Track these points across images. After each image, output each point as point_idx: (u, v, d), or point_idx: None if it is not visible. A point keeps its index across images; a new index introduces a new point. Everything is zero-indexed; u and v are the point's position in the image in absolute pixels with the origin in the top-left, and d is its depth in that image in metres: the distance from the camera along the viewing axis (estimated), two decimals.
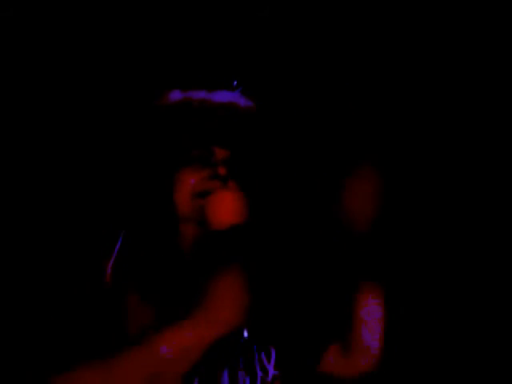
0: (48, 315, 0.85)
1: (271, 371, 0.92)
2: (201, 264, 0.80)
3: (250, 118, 0.96)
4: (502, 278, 1.89)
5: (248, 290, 0.75)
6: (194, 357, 0.71)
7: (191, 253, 0.85)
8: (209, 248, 0.80)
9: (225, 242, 0.79)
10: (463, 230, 1.96)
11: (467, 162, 1.97)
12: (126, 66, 1.76)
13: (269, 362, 0.92)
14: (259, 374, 0.89)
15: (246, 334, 0.87)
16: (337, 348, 1.04)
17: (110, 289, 0.85)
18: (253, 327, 0.88)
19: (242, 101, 0.96)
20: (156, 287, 0.85)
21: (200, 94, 0.95)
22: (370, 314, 1.00)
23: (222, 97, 0.95)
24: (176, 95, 0.95)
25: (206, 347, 0.72)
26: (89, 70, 1.76)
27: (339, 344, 1.05)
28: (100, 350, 0.72)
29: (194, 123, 0.92)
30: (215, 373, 0.84)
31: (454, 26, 1.77)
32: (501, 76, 1.82)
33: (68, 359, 0.73)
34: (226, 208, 0.82)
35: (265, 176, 1.00)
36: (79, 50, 1.76)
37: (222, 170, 0.89)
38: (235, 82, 1.00)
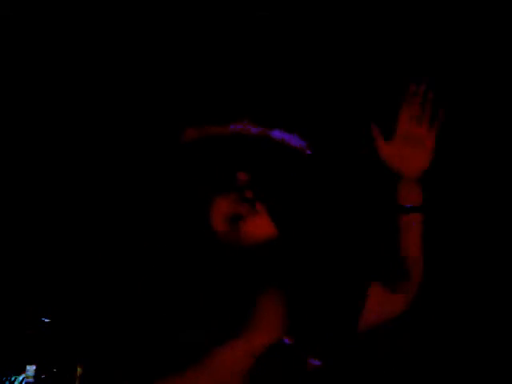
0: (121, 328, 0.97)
1: (314, 363, 1.00)
2: (243, 281, 0.93)
3: (263, 143, 1.07)
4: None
5: (286, 301, 0.88)
6: (250, 362, 0.86)
7: (233, 271, 0.95)
8: (248, 266, 0.93)
9: (261, 259, 0.92)
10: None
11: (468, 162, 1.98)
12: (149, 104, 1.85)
13: (311, 356, 1.00)
14: (302, 371, 0.98)
15: (287, 340, 0.96)
16: (377, 288, 1.12)
17: (162, 306, 0.95)
18: (294, 333, 0.97)
19: (253, 129, 1.07)
20: (206, 304, 0.95)
21: (216, 129, 1.06)
22: (414, 255, 1.11)
23: (236, 128, 1.07)
24: (193, 132, 1.07)
25: (257, 355, 0.87)
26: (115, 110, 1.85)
27: (379, 285, 1.13)
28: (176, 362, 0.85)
29: (214, 154, 1.03)
30: (265, 375, 0.94)
31: (454, 26, 1.78)
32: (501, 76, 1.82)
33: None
34: (260, 232, 0.95)
35: (288, 195, 1.10)
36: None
37: (248, 194, 1.00)
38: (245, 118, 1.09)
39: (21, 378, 3.79)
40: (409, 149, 1.10)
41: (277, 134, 1.08)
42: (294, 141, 1.09)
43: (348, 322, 1.08)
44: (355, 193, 1.58)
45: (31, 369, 3.85)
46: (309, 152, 1.10)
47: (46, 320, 3.55)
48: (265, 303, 0.89)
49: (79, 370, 3.44)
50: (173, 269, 0.99)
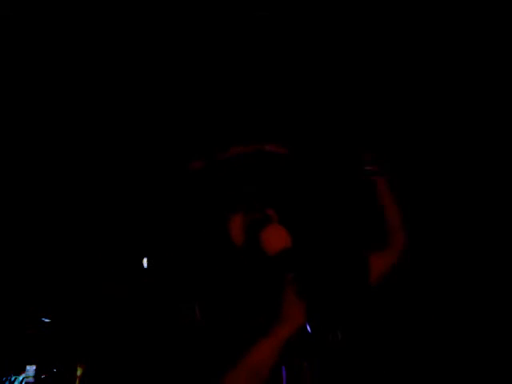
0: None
1: (337, 337, 1.14)
2: (265, 282, 1.06)
3: (260, 157, 1.25)
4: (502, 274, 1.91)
5: (303, 295, 1.02)
6: (280, 350, 1.00)
7: (255, 275, 1.09)
8: (268, 268, 1.05)
9: (280, 262, 1.05)
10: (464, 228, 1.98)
11: (467, 162, 1.98)
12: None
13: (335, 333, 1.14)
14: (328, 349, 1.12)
15: (309, 328, 1.10)
16: (375, 252, 1.31)
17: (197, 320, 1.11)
18: (313, 321, 1.10)
19: (250, 147, 1.25)
20: (232, 307, 1.09)
21: (217, 155, 1.23)
22: (390, 210, 1.37)
23: (235, 150, 1.24)
24: (198, 162, 1.23)
25: (284, 343, 1.00)
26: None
27: (375, 248, 1.33)
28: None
29: (220, 177, 1.20)
30: (296, 361, 1.08)
31: (454, 26, 1.78)
32: (501, 76, 1.82)
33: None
34: (276, 238, 1.08)
35: (289, 196, 1.28)
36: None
37: (257, 203, 1.13)
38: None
39: (21, 378, 3.78)
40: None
41: (270, 147, 1.26)
42: (284, 150, 1.28)
43: (361, 283, 1.23)
44: (341, 183, 1.75)
45: (31, 369, 3.84)
46: (297, 156, 1.30)
47: (46, 320, 3.56)
48: (286, 297, 1.02)
49: (79, 369, 3.44)
50: (199, 277, 1.13)
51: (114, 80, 1.91)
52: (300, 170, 1.35)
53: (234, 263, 1.10)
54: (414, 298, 1.98)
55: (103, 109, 1.99)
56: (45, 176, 2.25)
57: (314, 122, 1.93)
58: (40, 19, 1.74)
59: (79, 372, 3.40)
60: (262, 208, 1.15)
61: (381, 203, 1.38)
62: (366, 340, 1.26)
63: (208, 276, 1.11)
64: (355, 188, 1.48)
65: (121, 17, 1.77)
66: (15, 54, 1.80)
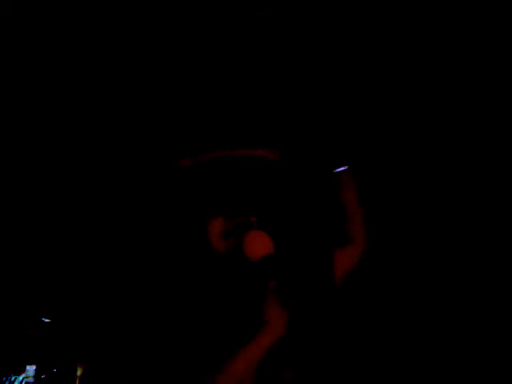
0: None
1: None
2: (246, 289, 1.06)
3: (249, 162, 1.24)
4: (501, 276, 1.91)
5: (284, 303, 1.03)
6: (263, 358, 1.02)
7: (236, 282, 1.09)
8: (250, 275, 1.05)
9: (262, 268, 1.05)
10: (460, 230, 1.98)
11: (464, 163, 1.98)
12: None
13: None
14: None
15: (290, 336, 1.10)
16: (339, 251, 1.33)
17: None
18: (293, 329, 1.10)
19: (239, 151, 1.25)
20: (214, 313, 1.10)
21: (206, 156, 1.23)
22: (353, 209, 1.39)
23: (223, 152, 1.24)
24: (186, 161, 1.23)
25: (267, 350, 1.02)
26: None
27: (339, 248, 1.34)
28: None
29: (205, 179, 1.18)
30: (277, 368, 1.09)
31: (453, 26, 1.78)
32: (500, 76, 1.83)
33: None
34: (259, 244, 1.07)
35: (274, 205, 1.27)
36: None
37: (239, 209, 1.12)
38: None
39: (21, 378, 3.79)
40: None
41: (260, 152, 1.28)
42: (275, 156, 1.29)
43: (326, 278, 1.24)
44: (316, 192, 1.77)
45: (31, 369, 3.84)
46: (286, 164, 1.31)
47: (46, 320, 3.56)
48: (268, 305, 1.03)
49: (79, 369, 3.44)
50: (180, 281, 1.12)
51: (112, 78, 1.91)
52: (288, 177, 1.35)
53: (214, 268, 1.09)
54: (382, 295, 2.00)
55: (97, 107, 2.00)
56: (42, 176, 2.25)
57: (308, 126, 1.92)
58: (40, 19, 1.74)
59: (79, 372, 3.40)
60: (244, 213, 1.14)
61: (344, 202, 1.39)
62: (342, 342, 1.26)
63: (188, 281, 1.10)
64: (326, 190, 1.50)
65: (120, 16, 1.77)
66: (15, 53, 1.80)
